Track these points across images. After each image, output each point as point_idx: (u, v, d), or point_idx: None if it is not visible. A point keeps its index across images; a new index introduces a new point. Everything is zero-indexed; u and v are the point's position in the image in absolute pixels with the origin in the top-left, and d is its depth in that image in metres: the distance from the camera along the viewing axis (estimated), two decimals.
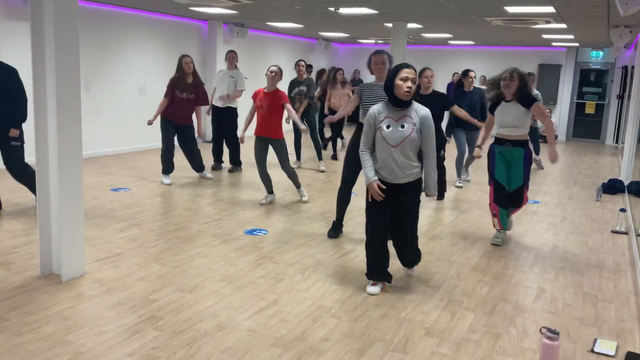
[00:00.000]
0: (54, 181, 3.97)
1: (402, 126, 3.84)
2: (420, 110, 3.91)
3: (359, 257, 4.83)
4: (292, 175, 6.66)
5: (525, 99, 5.14)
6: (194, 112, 7.53)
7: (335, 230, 5.46)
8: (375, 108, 3.95)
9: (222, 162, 8.76)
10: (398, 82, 3.79)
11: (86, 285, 3.99)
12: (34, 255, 4.46)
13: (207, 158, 8.50)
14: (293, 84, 9.10)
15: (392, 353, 3.19)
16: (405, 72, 3.80)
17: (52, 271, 4.14)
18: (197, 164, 7.74)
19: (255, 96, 6.46)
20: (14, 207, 5.93)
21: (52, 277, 4.09)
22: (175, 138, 7.49)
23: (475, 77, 8.01)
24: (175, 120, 7.36)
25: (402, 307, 3.83)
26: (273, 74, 6.33)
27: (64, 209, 3.97)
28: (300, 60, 9.12)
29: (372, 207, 3.99)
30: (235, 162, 8.59)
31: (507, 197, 5.30)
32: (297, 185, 6.76)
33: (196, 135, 7.67)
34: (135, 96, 10.21)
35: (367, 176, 3.92)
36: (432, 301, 3.96)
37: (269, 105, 6.30)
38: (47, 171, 4.00)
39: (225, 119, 8.40)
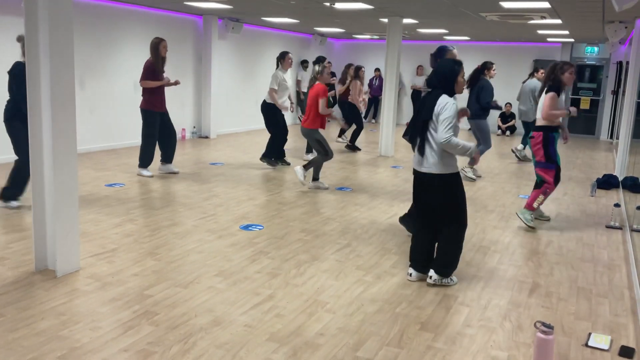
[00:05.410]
0: (48, 177, 3.96)
1: None
2: None
3: (354, 252, 4.84)
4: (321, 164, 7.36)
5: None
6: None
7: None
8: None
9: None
10: (461, 79, 4.13)
11: (81, 280, 3.98)
12: (29, 251, 4.45)
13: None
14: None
15: (387, 348, 3.20)
16: (464, 70, 4.18)
17: (47, 267, 4.13)
18: (171, 153, 7.84)
19: (326, 92, 7.06)
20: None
21: (46, 272, 4.08)
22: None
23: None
24: (158, 107, 7.57)
25: (397, 302, 3.84)
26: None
27: (58, 205, 3.96)
28: (328, 61, 9.60)
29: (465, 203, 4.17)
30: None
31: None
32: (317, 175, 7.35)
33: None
34: (130, 92, 10.16)
35: (471, 148, 4.07)
36: (427, 296, 3.97)
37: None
38: (41, 167, 3.98)
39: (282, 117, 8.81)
